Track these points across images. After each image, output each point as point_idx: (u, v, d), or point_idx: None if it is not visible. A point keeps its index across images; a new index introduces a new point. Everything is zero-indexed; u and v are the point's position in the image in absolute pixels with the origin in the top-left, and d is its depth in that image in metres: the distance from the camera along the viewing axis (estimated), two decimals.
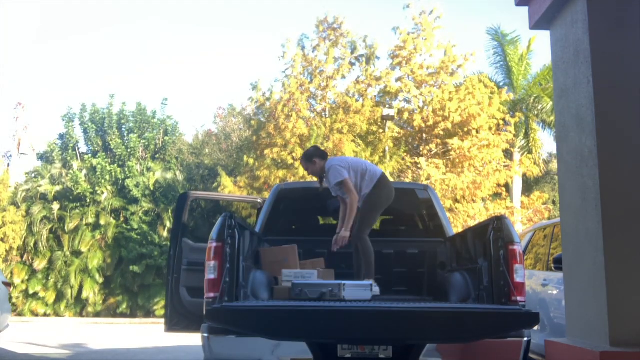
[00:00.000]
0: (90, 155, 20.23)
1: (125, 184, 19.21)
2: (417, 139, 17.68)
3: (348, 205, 4.97)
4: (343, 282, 4.13)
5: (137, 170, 19.70)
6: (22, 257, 18.95)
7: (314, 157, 5.17)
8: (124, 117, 20.72)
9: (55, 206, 19.08)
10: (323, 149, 5.48)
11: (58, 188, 19.49)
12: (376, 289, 4.60)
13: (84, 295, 18.54)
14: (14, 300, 18.15)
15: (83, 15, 43.84)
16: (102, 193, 19.28)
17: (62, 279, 18.65)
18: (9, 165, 23.66)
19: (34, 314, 18.69)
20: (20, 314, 18.24)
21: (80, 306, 18.97)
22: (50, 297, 18.67)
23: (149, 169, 19.80)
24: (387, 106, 17.15)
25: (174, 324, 5.37)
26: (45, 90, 43.13)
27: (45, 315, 18.66)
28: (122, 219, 19.38)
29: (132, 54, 44.12)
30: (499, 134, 16.55)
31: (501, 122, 17.05)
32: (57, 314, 18.75)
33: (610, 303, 3.63)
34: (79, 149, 20.82)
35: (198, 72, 45.76)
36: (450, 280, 4.78)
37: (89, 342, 10.97)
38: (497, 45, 19.61)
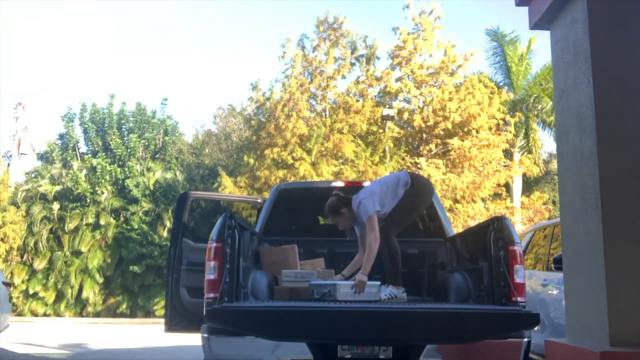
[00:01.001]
0: (90, 155, 20.24)
1: (125, 184, 19.22)
2: (417, 139, 17.68)
3: (367, 245, 4.39)
4: (338, 282, 4.15)
5: (137, 170, 19.71)
6: (22, 257, 18.96)
7: (340, 208, 4.56)
8: (124, 117, 20.73)
9: (55, 206, 19.09)
10: (340, 192, 4.71)
11: (58, 188, 19.50)
12: (403, 295, 4.41)
13: (84, 295, 18.55)
14: (14, 300, 18.16)
15: (83, 15, 43.85)
16: (102, 193, 19.29)
17: (62, 279, 18.65)
18: (9, 165, 23.67)
19: (34, 314, 18.70)
20: (20, 314, 18.25)
21: (80, 306, 18.98)
22: (50, 297, 18.67)
23: (149, 169, 19.81)
24: (387, 106, 17.15)
25: (174, 324, 5.37)
26: (46, 91, 43.16)
27: (45, 315, 18.66)
28: (122, 219, 19.38)
29: (132, 54, 44.14)
30: (499, 134, 16.55)
31: (501, 122, 17.05)
32: (57, 314, 18.76)
33: (610, 303, 3.62)
34: (78, 149, 20.82)
35: (198, 72, 45.79)
36: (450, 281, 4.78)
37: (89, 342, 10.97)
38: (497, 45, 19.62)
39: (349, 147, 15.68)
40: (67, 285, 18.53)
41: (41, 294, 18.69)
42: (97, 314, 18.81)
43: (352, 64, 17.90)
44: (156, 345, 10.42)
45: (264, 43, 45.61)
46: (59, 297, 18.71)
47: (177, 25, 46.96)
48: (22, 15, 43.46)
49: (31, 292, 18.61)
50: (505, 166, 17.22)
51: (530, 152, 18.83)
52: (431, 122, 16.49)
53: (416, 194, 4.65)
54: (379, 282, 4.37)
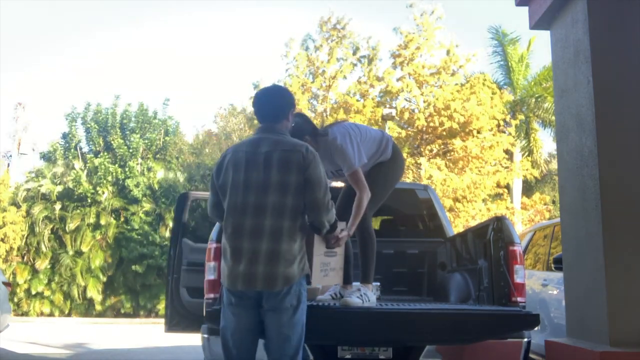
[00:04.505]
0: (91, 155, 20.25)
1: (126, 184, 19.23)
2: (417, 139, 17.66)
3: (356, 199, 3.63)
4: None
5: (137, 170, 19.72)
6: (23, 257, 18.96)
7: (303, 135, 3.50)
8: (126, 117, 20.75)
9: (57, 206, 19.10)
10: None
11: (59, 188, 19.50)
12: (374, 299, 3.67)
13: (88, 295, 18.56)
14: (17, 300, 18.18)
15: (83, 15, 43.87)
16: (103, 193, 19.30)
17: (64, 279, 18.67)
18: (9, 165, 23.69)
19: (38, 314, 18.71)
20: (24, 315, 18.26)
21: (82, 306, 18.99)
22: (53, 297, 18.69)
23: (149, 169, 19.83)
24: (388, 106, 17.14)
25: (173, 324, 5.37)
26: (45, 90, 43.20)
27: (49, 315, 18.67)
28: (122, 219, 19.39)
29: (133, 53, 44.17)
30: (500, 135, 16.56)
31: (501, 123, 17.05)
32: (59, 314, 18.77)
33: (610, 303, 3.62)
34: (80, 148, 20.84)
35: (198, 72, 45.81)
36: (450, 281, 4.77)
37: (90, 342, 10.98)
38: (498, 44, 19.61)
39: None
40: (69, 286, 18.54)
41: (45, 294, 18.71)
42: (98, 314, 18.83)
43: (354, 65, 17.90)
44: (157, 345, 10.42)
45: (265, 43, 45.64)
46: (61, 297, 18.72)
47: (178, 25, 46.98)
48: (22, 15, 43.50)
49: (34, 292, 18.61)
50: (505, 167, 17.20)
51: (531, 152, 18.82)
52: (436, 123, 16.42)
53: (398, 167, 4.11)
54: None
